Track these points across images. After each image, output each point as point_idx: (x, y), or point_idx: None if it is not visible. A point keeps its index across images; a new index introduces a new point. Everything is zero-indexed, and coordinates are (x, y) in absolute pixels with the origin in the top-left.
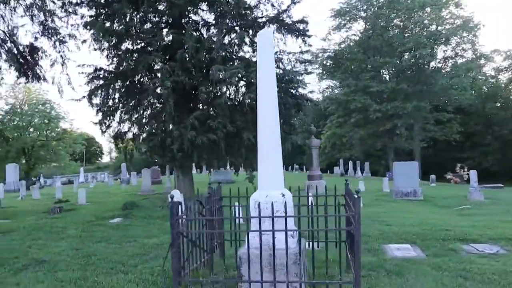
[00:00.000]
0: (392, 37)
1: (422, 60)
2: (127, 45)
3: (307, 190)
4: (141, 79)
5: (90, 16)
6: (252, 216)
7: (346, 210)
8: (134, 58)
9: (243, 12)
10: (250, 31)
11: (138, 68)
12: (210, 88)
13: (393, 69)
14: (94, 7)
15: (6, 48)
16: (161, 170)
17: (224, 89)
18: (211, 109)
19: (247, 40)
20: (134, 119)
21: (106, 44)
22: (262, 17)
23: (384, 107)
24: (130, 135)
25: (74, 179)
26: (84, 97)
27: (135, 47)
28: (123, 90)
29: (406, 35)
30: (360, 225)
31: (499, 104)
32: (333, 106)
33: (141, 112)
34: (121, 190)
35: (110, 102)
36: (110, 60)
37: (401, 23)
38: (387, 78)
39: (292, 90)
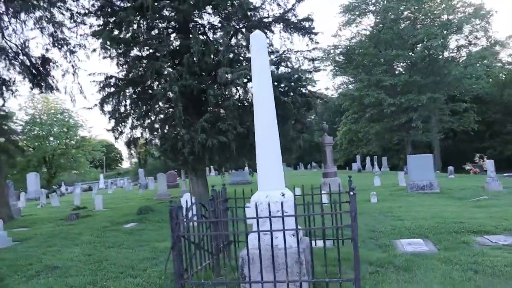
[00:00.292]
0: (403, 29)
1: (434, 51)
2: (135, 52)
3: (321, 188)
4: (152, 85)
5: (98, 25)
6: (249, 217)
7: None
8: (142, 64)
9: (248, 13)
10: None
11: (147, 74)
12: (218, 91)
13: (406, 61)
14: (101, 16)
15: (20, 61)
16: (179, 174)
17: (233, 90)
18: (221, 111)
19: None
20: (145, 124)
21: (114, 52)
22: (268, 17)
23: (398, 100)
24: (142, 140)
25: (93, 186)
26: (95, 105)
27: (143, 54)
28: (134, 96)
29: (418, 26)
30: (356, 223)
31: None
32: (347, 102)
33: (152, 117)
34: (139, 195)
35: (122, 109)
36: (120, 67)
37: (412, 15)
38: (401, 71)
39: (302, 89)
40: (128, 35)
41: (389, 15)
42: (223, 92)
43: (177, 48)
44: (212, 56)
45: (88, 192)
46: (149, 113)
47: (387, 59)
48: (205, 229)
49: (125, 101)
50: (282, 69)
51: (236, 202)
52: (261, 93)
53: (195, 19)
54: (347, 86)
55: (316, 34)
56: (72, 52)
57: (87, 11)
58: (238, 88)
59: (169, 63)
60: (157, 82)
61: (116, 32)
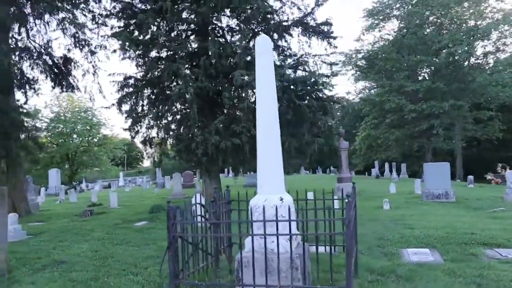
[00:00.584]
0: (427, 35)
1: (459, 57)
2: (154, 53)
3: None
4: (170, 85)
5: (119, 27)
6: (242, 220)
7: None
8: (160, 65)
9: (268, 16)
10: (275, 35)
11: (164, 75)
12: (234, 93)
13: (429, 67)
14: (122, 18)
15: (43, 60)
16: (196, 174)
17: (249, 92)
18: (236, 113)
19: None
20: (161, 124)
21: (133, 53)
22: (287, 21)
23: (419, 107)
24: (158, 140)
25: (112, 183)
26: (113, 104)
27: (161, 55)
28: (152, 97)
29: (444, 31)
30: (351, 230)
31: None
32: (368, 107)
33: (169, 118)
34: (154, 194)
35: (139, 109)
36: (139, 68)
37: (437, 20)
38: (424, 77)
39: (318, 93)
40: (147, 36)
41: (414, 19)
42: (239, 95)
43: (195, 50)
44: (229, 59)
45: (108, 189)
46: (165, 114)
47: (410, 64)
48: (205, 230)
49: (143, 101)
50: (299, 73)
51: (239, 204)
52: (264, 98)
53: (214, 22)
54: (369, 91)
55: (334, 38)
56: (92, 53)
57: (108, 13)
58: (254, 90)
59: (186, 65)
60: (174, 83)
61: (136, 33)
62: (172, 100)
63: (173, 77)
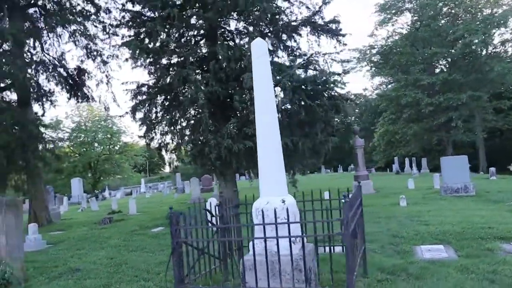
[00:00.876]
0: (441, 26)
1: (476, 47)
2: (164, 60)
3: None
4: (182, 91)
5: (129, 36)
6: (242, 224)
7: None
8: (171, 72)
9: (277, 17)
10: (284, 36)
11: (174, 81)
12: (245, 96)
13: (444, 59)
14: (132, 27)
15: (57, 72)
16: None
17: None
18: (248, 115)
19: (278, 45)
20: (175, 130)
21: (144, 61)
22: (295, 21)
23: (436, 100)
24: (172, 146)
25: (133, 190)
26: (127, 112)
27: (172, 62)
28: (165, 103)
29: (459, 21)
30: (349, 231)
31: None
32: (384, 103)
33: (183, 123)
34: (174, 199)
35: (153, 116)
36: (151, 75)
37: (451, 11)
38: (439, 69)
39: (330, 92)
40: (157, 44)
41: (427, 12)
42: (250, 97)
43: (205, 55)
44: (238, 62)
45: (129, 196)
46: (179, 120)
47: (425, 57)
48: (211, 234)
49: (156, 108)
50: (310, 72)
51: (246, 207)
52: (263, 100)
53: (222, 26)
54: (386, 86)
55: (344, 35)
56: (105, 63)
57: (119, 23)
58: None
59: (196, 70)
60: (184, 89)
61: (146, 41)
62: (184, 105)
63: (184, 83)
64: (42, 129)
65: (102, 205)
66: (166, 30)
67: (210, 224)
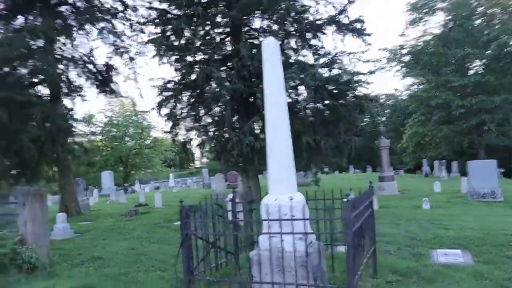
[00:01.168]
0: (476, 26)
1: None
2: (190, 57)
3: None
4: (208, 88)
5: (156, 33)
6: (241, 219)
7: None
8: (196, 69)
9: (299, 16)
10: (309, 34)
11: (199, 78)
12: None
13: (478, 60)
14: (158, 25)
15: (87, 69)
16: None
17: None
18: None
19: (303, 43)
20: (199, 126)
21: (170, 58)
22: (320, 20)
23: (468, 102)
24: (196, 142)
25: (161, 185)
26: (153, 108)
27: (197, 59)
28: (190, 99)
29: (495, 21)
30: (351, 231)
31: None
32: (414, 104)
33: (208, 119)
34: (200, 194)
35: (178, 112)
36: (177, 72)
37: (487, 11)
38: (476, 71)
39: (354, 91)
40: (182, 41)
41: (461, 11)
42: None
43: (230, 53)
44: (261, 60)
45: (158, 190)
46: (203, 116)
47: (457, 58)
48: (222, 229)
49: (181, 104)
50: (334, 71)
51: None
52: (273, 99)
53: (247, 24)
54: (418, 87)
55: (369, 35)
56: (132, 59)
57: (145, 20)
58: (290, 91)
59: (220, 68)
60: (208, 87)
61: (172, 39)
62: (207, 102)
63: (208, 80)
64: (71, 123)
65: (130, 198)
66: (191, 28)
67: (218, 218)
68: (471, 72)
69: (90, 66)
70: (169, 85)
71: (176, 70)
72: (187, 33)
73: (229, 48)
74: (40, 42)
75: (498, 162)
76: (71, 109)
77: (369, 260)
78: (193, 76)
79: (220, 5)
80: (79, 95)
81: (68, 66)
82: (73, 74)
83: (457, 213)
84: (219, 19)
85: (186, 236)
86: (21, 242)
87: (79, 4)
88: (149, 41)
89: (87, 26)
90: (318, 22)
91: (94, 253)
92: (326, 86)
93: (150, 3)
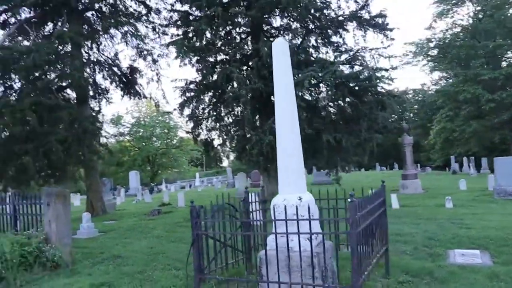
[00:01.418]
0: (508, 16)
1: None
2: (211, 58)
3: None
4: (229, 88)
5: (178, 35)
6: (253, 219)
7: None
8: (217, 69)
9: (320, 13)
10: (329, 31)
11: (219, 78)
12: None
13: (511, 52)
14: (180, 27)
15: (112, 72)
16: None
17: (299, 93)
18: None
19: (323, 41)
20: (221, 126)
21: (192, 59)
22: (341, 16)
23: (498, 96)
24: (217, 141)
25: (186, 184)
26: (175, 109)
27: (218, 59)
28: (212, 100)
29: None
30: (355, 231)
31: None
32: (441, 99)
33: (230, 119)
34: (224, 192)
35: (200, 112)
36: (199, 72)
37: None
38: (504, 63)
39: (376, 88)
40: (203, 42)
41: (491, 1)
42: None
43: (250, 52)
44: None
45: (183, 189)
46: (224, 116)
47: (487, 50)
48: (234, 228)
49: (203, 105)
50: (356, 68)
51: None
52: (282, 98)
53: (267, 23)
54: (446, 81)
55: (391, 30)
56: (155, 61)
57: (168, 22)
58: (303, 90)
59: (240, 67)
60: (229, 86)
61: (194, 40)
62: (228, 102)
63: (228, 81)
64: (98, 125)
65: (156, 197)
66: (212, 28)
67: (230, 218)
68: (504, 64)
69: (115, 69)
70: (191, 86)
71: (197, 70)
72: (208, 34)
73: (250, 48)
74: (68, 48)
75: None
76: (98, 111)
77: (380, 260)
78: (214, 77)
79: (240, 5)
80: (105, 98)
81: (95, 70)
82: (99, 77)
83: (480, 212)
84: (239, 19)
85: (196, 236)
86: (45, 240)
87: (104, 9)
88: (170, 43)
89: (112, 30)
90: (339, 19)
91: (114, 252)
92: (346, 83)
93: (172, 5)
